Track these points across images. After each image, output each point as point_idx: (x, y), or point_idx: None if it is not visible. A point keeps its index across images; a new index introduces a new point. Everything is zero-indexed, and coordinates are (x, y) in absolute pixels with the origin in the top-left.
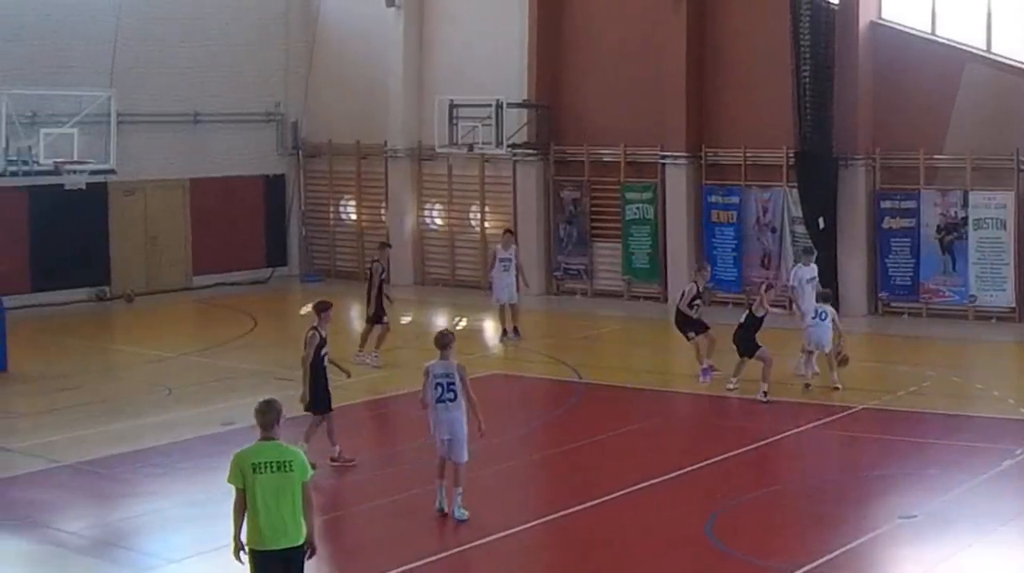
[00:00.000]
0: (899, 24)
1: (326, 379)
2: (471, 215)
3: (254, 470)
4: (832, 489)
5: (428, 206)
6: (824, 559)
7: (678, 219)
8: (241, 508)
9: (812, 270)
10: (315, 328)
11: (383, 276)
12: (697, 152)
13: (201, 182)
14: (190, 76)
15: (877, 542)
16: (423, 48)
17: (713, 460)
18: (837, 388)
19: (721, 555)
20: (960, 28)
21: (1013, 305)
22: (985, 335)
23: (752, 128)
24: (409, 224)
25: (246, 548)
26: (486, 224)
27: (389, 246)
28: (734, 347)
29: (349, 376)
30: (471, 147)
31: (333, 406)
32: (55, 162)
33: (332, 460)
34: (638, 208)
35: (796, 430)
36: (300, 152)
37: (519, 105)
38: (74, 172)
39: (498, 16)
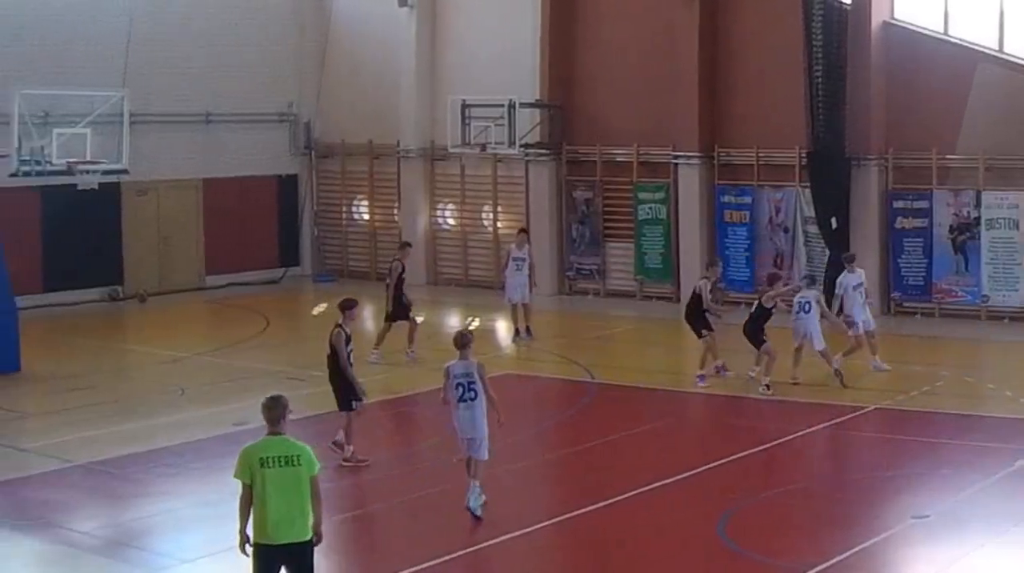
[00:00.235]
0: (911, 24)
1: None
2: (484, 215)
3: (261, 465)
4: (844, 489)
5: (441, 206)
6: (837, 559)
7: (691, 219)
8: (247, 503)
9: (859, 275)
10: (340, 326)
11: (403, 275)
12: (710, 152)
13: (214, 182)
14: (203, 76)
15: (890, 542)
16: (436, 48)
17: (725, 460)
18: (841, 378)
19: (733, 555)
20: (972, 28)
21: None
22: (997, 335)
23: (765, 128)
24: (422, 224)
25: (251, 542)
26: (499, 224)
27: (409, 245)
28: (745, 339)
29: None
30: (484, 147)
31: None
32: (68, 162)
33: (344, 460)
34: (651, 208)
35: (808, 430)
36: (313, 152)
37: (532, 105)
38: (87, 172)
39: (510, 16)
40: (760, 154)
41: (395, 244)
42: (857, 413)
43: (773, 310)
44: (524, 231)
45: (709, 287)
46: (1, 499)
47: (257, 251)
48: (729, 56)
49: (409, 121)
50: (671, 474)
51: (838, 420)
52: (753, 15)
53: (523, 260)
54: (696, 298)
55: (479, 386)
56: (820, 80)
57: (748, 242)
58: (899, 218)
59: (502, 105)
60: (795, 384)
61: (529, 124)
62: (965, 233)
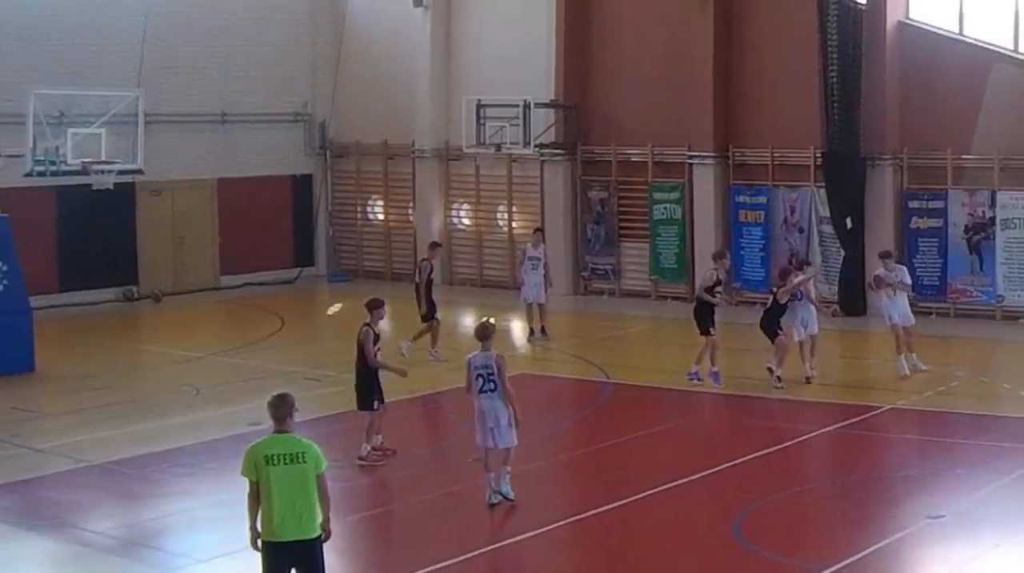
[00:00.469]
0: (927, 24)
1: (378, 377)
2: (499, 215)
3: (267, 462)
4: (860, 489)
5: (456, 206)
6: (852, 559)
7: (706, 219)
8: (255, 500)
9: (898, 272)
10: (368, 325)
11: (431, 275)
12: (725, 152)
13: (229, 182)
14: (218, 76)
15: (905, 542)
16: (450, 48)
17: (741, 460)
18: (809, 379)
19: (748, 555)
20: (987, 28)
21: None
22: (1013, 335)
23: (780, 128)
24: (437, 224)
25: (261, 539)
26: (514, 224)
27: (439, 245)
28: (762, 334)
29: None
30: (499, 147)
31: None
32: (83, 162)
33: (360, 458)
34: (666, 208)
35: (823, 430)
36: (328, 152)
37: (547, 105)
38: (102, 172)
39: (525, 16)
40: (775, 154)
41: (410, 244)
42: (872, 413)
43: (788, 305)
44: (540, 230)
45: (716, 278)
46: (16, 499)
47: (272, 251)
48: (744, 56)
49: (424, 121)
50: (686, 474)
51: (853, 420)
52: (768, 15)
53: (539, 259)
54: (703, 291)
55: (497, 378)
56: (835, 80)
57: (763, 242)
58: (914, 218)
59: (517, 105)
60: (809, 381)
61: (544, 124)
62: (980, 233)
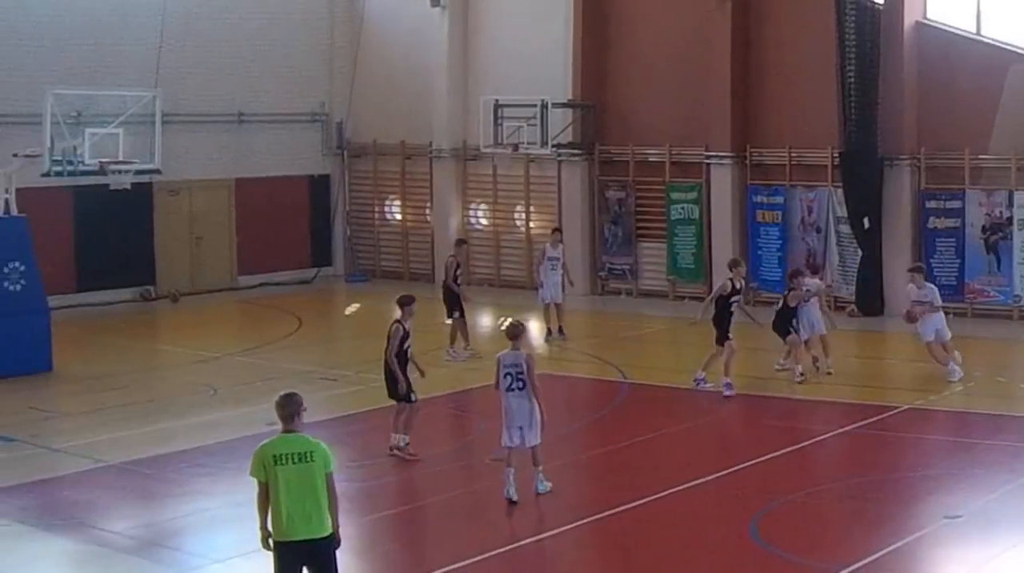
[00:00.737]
0: (944, 24)
1: (406, 371)
2: (516, 215)
3: (275, 462)
4: (877, 489)
5: (473, 206)
6: (869, 559)
7: (723, 219)
8: (264, 501)
9: (928, 292)
10: (399, 321)
11: (458, 272)
12: (742, 152)
13: (246, 182)
14: (235, 76)
15: (922, 542)
16: (468, 48)
17: (758, 460)
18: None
19: (765, 555)
20: (1005, 28)
21: None
22: None
23: (797, 128)
24: (454, 224)
25: (272, 539)
26: (531, 224)
27: (464, 242)
28: (775, 335)
29: (423, 375)
30: (516, 147)
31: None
32: (100, 162)
33: (397, 449)
34: (683, 208)
35: (840, 430)
36: (345, 152)
37: (564, 105)
38: (119, 172)
39: (543, 16)
40: (792, 154)
41: (427, 244)
42: (890, 413)
43: (799, 308)
44: (559, 230)
45: (732, 287)
46: (34, 499)
47: (289, 251)
48: (761, 56)
49: (441, 121)
50: (703, 474)
51: (871, 420)
52: (786, 15)
53: (558, 259)
54: (721, 300)
55: (526, 377)
56: (852, 80)
57: (780, 242)
58: (931, 218)
59: (534, 105)
60: (828, 374)
61: (561, 124)
62: (997, 233)
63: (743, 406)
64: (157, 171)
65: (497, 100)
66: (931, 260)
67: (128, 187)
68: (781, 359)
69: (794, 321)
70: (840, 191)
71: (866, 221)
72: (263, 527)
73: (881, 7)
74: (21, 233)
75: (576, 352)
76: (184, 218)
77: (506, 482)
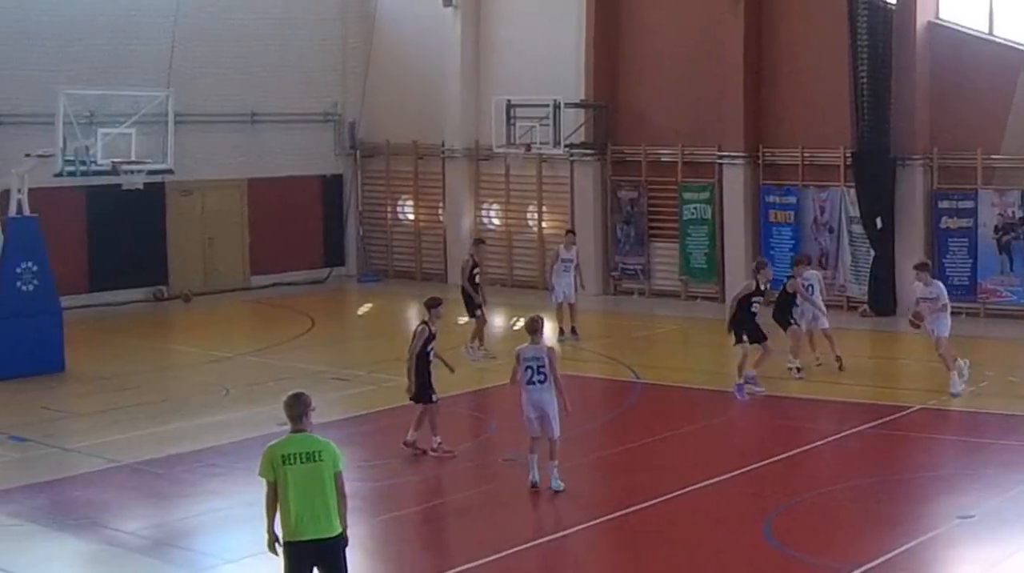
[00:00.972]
0: (956, 24)
1: (429, 372)
2: (528, 215)
3: (284, 462)
4: (889, 489)
5: (485, 206)
6: (882, 559)
7: (735, 219)
8: (273, 501)
9: (934, 288)
10: (425, 322)
11: (475, 271)
12: (754, 152)
13: (259, 182)
14: (248, 76)
15: (935, 542)
16: (480, 48)
17: (771, 460)
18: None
19: (779, 554)
20: (1018, 28)
21: None
22: None
23: (809, 128)
24: (467, 224)
25: (281, 541)
26: (543, 224)
27: (482, 241)
28: (776, 324)
29: (452, 371)
30: (528, 147)
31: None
32: (113, 162)
33: (432, 450)
34: (695, 208)
35: (853, 430)
36: (357, 152)
37: (576, 105)
38: (132, 172)
39: (555, 16)
40: (805, 154)
41: (440, 244)
42: (902, 413)
43: (796, 295)
44: (572, 232)
45: (755, 288)
46: (46, 499)
47: (302, 251)
48: (774, 56)
49: (454, 121)
50: (716, 474)
51: (883, 420)
52: (798, 15)
53: (571, 261)
54: (742, 301)
55: (548, 370)
56: (865, 80)
57: (793, 242)
58: (944, 218)
59: (547, 105)
60: (818, 365)
61: (574, 124)
62: (1010, 233)
63: (755, 406)
64: (170, 171)
65: (509, 100)
66: (943, 260)
67: (140, 187)
68: (791, 357)
69: (794, 311)
70: (852, 191)
71: (879, 221)
72: (270, 529)
73: (893, 7)
74: (33, 233)
75: (589, 352)
76: (196, 218)
77: (529, 468)
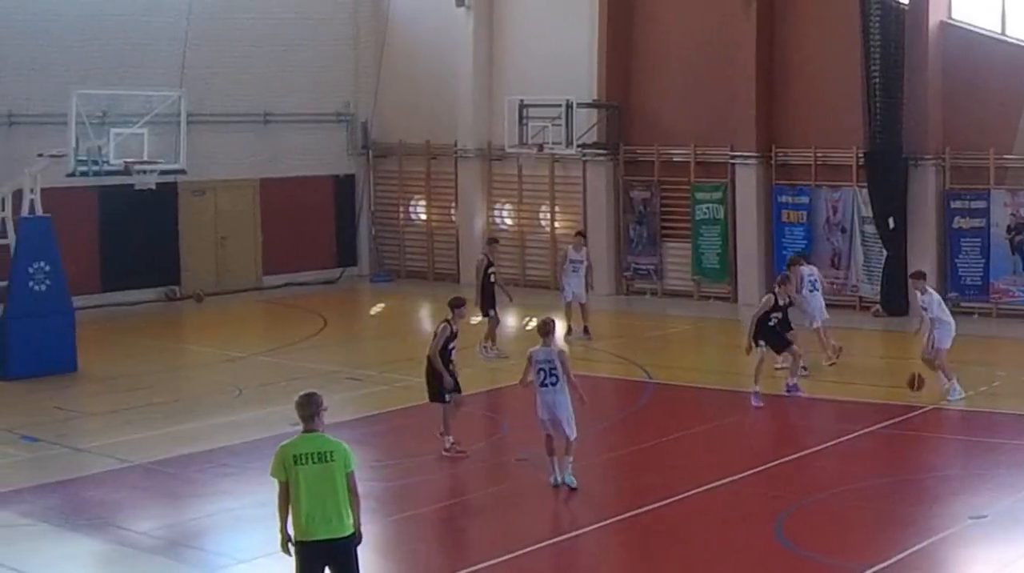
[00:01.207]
0: (969, 24)
1: (450, 369)
2: (541, 215)
3: (295, 462)
4: (902, 489)
5: (498, 206)
6: (894, 559)
7: (748, 219)
8: (285, 501)
9: (927, 299)
10: (448, 321)
11: (489, 270)
12: (767, 152)
13: (271, 182)
14: (260, 76)
15: (947, 542)
16: (493, 48)
17: (783, 460)
18: (833, 363)
19: (790, 554)
20: None
21: None
22: None
23: (822, 128)
24: (479, 224)
25: (293, 540)
26: (556, 224)
27: (495, 241)
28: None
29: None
30: (541, 147)
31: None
32: (125, 162)
33: (444, 450)
34: (708, 208)
35: (866, 430)
36: (370, 152)
37: (589, 105)
38: (144, 172)
39: (568, 16)
40: (817, 154)
41: (452, 245)
42: (915, 413)
43: (787, 306)
44: (581, 234)
45: (774, 303)
46: (59, 499)
47: (314, 251)
48: (786, 56)
49: (466, 121)
50: (728, 474)
51: (896, 420)
52: (811, 15)
53: (580, 262)
54: (761, 318)
55: (560, 372)
56: (877, 80)
57: (805, 242)
58: (956, 218)
59: (559, 105)
60: (831, 365)
61: (586, 124)
62: (1022, 233)
63: (768, 406)
64: (182, 171)
65: (522, 100)
66: (956, 260)
67: (153, 187)
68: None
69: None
70: (865, 191)
71: (891, 221)
72: (283, 529)
73: (906, 7)
74: (46, 233)
75: (601, 352)
76: (209, 218)
77: (551, 470)
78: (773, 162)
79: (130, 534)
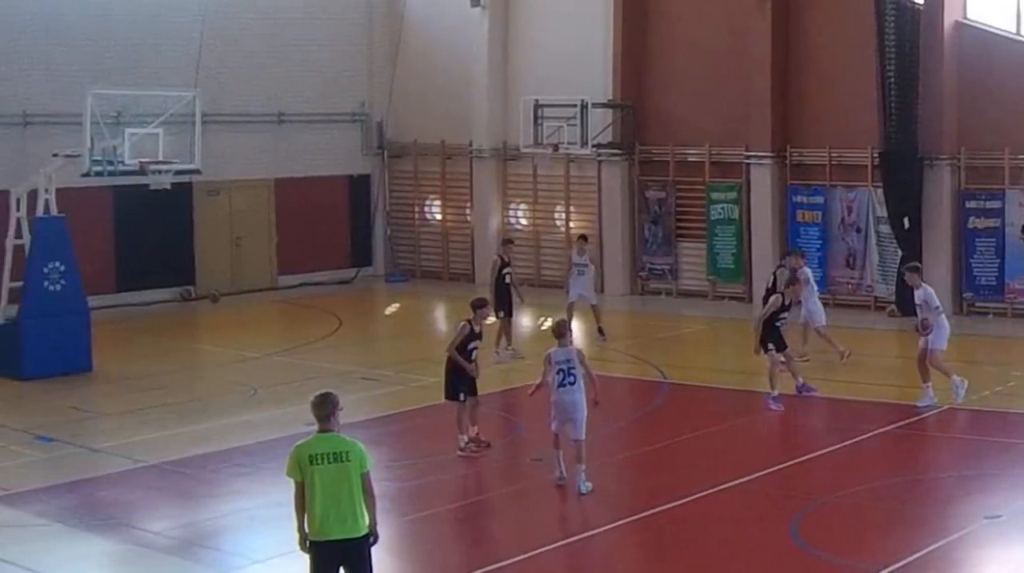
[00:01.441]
0: (984, 24)
1: (466, 371)
2: (556, 215)
3: (311, 462)
4: (917, 489)
5: (513, 206)
6: (909, 559)
7: (763, 219)
8: (301, 501)
9: (918, 294)
10: (469, 321)
11: (503, 271)
12: (782, 152)
13: (286, 182)
14: (275, 76)
15: (962, 542)
16: (508, 48)
17: (798, 460)
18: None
19: (806, 555)
20: None
21: None
22: None
23: (837, 128)
24: (494, 224)
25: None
26: (571, 224)
27: (510, 242)
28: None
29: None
30: (556, 147)
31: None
32: (140, 162)
33: (459, 450)
34: (723, 208)
35: (880, 430)
36: (385, 152)
37: (604, 105)
38: (159, 172)
39: (583, 16)
40: (832, 154)
41: (467, 245)
42: (929, 413)
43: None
44: (584, 238)
45: (781, 304)
46: (73, 499)
47: (329, 251)
48: (801, 56)
49: (481, 121)
50: (743, 474)
51: (910, 420)
52: (826, 15)
53: (585, 265)
54: (768, 319)
55: (578, 371)
56: (892, 80)
57: (820, 242)
58: (971, 218)
59: (574, 105)
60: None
61: (601, 124)
62: None
63: (783, 407)
64: (197, 171)
65: (537, 100)
66: (971, 260)
67: (168, 187)
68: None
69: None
70: (880, 191)
71: (906, 221)
72: (300, 529)
73: (921, 7)
74: (61, 233)
75: (616, 352)
76: (224, 218)
77: (556, 464)
78: (788, 162)
79: (144, 534)
